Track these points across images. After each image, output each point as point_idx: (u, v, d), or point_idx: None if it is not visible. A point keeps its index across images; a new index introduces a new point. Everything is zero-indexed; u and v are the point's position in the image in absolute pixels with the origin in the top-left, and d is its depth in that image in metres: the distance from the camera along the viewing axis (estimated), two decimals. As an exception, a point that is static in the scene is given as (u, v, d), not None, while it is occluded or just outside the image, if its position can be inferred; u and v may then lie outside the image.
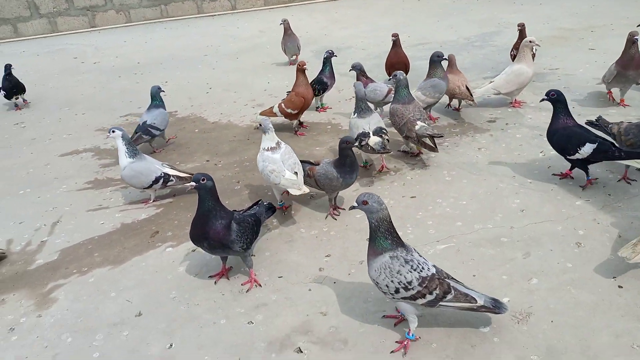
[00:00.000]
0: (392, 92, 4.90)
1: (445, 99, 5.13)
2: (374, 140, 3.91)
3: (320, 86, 5.48)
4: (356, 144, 3.48)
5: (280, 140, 3.62)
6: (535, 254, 2.98)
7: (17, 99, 6.75)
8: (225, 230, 2.79)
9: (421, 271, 2.34)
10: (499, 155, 4.22)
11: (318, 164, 3.55)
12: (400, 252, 2.36)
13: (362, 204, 2.34)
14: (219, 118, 5.82)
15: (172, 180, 3.91)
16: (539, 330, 2.45)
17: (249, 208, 3.28)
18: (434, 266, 2.42)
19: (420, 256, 2.43)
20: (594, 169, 3.78)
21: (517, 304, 2.62)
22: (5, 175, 4.84)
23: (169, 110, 5.28)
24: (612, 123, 3.74)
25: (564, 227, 3.20)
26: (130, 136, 4.20)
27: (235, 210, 3.08)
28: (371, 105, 4.37)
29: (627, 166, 3.60)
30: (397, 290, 2.33)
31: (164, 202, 4.04)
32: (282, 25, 7.49)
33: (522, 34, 5.83)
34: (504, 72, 5.07)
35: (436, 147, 4.09)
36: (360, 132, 3.94)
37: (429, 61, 4.82)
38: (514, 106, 5.14)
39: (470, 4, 11.22)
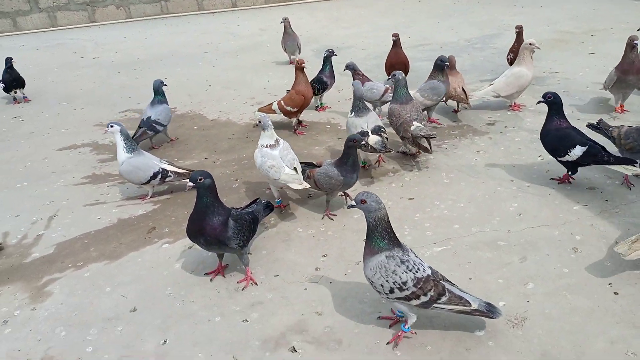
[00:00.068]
0: (389, 91, 4.93)
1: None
2: (373, 139, 3.90)
3: (320, 85, 5.47)
4: (363, 142, 3.44)
5: (279, 138, 3.61)
6: (531, 258, 2.98)
7: (15, 92, 6.72)
8: (222, 227, 2.78)
9: (416, 272, 2.34)
10: (498, 158, 4.22)
11: (320, 166, 3.54)
12: (396, 252, 2.36)
13: (361, 202, 2.34)
14: (218, 115, 5.81)
15: (170, 176, 3.90)
16: (534, 334, 2.45)
17: (247, 206, 3.27)
18: (430, 268, 2.42)
19: (417, 257, 2.43)
20: (593, 174, 3.79)
21: (512, 308, 2.62)
22: (2, 169, 4.83)
23: (168, 106, 5.27)
24: (612, 126, 3.75)
25: (561, 232, 3.20)
26: (129, 131, 4.17)
27: (233, 208, 3.07)
28: (369, 105, 4.36)
29: None
30: (391, 290, 2.33)
31: (161, 199, 4.03)
32: (282, 23, 7.48)
33: (519, 36, 5.84)
34: (503, 75, 5.08)
35: (430, 148, 4.08)
36: (359, 131, 3.93)
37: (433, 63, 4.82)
38: (513, 109, 5.14)
39: (471, 5, 11.23)
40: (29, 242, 3.59)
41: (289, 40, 7.49)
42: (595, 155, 3.46)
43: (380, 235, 2.35)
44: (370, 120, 4.01)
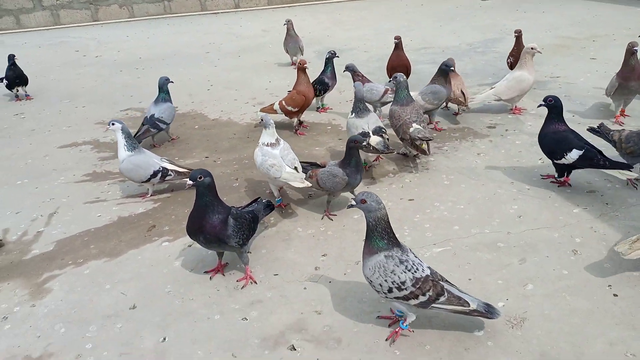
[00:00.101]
0: (389, 92, 4.95)
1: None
2: (375, 139, 3.91)
3: (322, 86, 5.48)
4: (365, 143, 3.45)
5: (279, 137, 3.62)
6: (531, 260, 2.99)
7: (17, 90, 6.73)
8: (222, 225, 2.79)
9: (415, 272, 2.34)
10: (498, 161, 4.22)
11: (324, 166, 3.54)
12: (395, 252, 2.37)
13: (361, 202, 2.34)
14: (219, 115, 5.82)
15: (170, 175, 3.90)
16: (533, 335, 2.45)
17: (248, 205, 3.27)
18: (429, 268, 2.42)
19: (416, 257, 2.43)
20: (593, 178, 3.80)
21: (512, 309, 2.62)
22: (3, 165, 4.83)
23: (169, 105, 5.27)
24: (613, 130, 3.76)
25: (561, 235, 3.20)
26: (131, 129, 4.18)
27: (234, 207, 3.07)
28: (369, 106, 4.37)
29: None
30: (390, 290, 2.34)
31: (161, 197, 4.04)
32: (285, 25, 7.49)
33: (518, 40, 5.85)
34: (505, 79, 5.08)
35: (429, 150, 4.08)
36: (360, 132, 3.94)
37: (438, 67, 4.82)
38: (514, 113, 5.15)
39: (473, 10, 11.25)
40: (29, 239, 3.60)
41: (291, 42, 7.51)
42: (592, 159, 3.49)
43: (380, 235, 2.36)
44: (371, 121, 4.02)
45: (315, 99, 5.37)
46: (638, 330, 2.45)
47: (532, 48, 4.92)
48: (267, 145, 3.55)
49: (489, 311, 2.39)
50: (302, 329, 2.60)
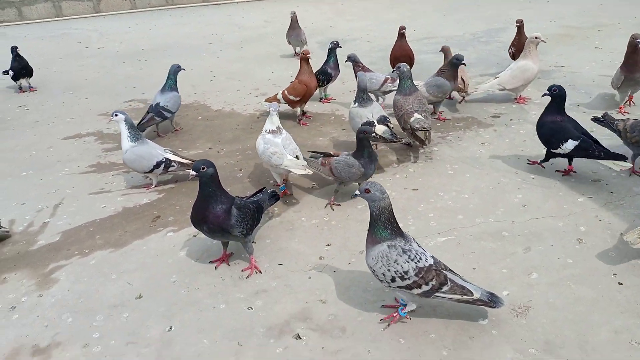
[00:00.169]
0: (389, 81, 4.95)
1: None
2: (381, 129, 3.90)
3: (325, 77, 5.46)
4: (373, 133, 3.44)
5: (281, 127, 3.63)
6: (536, 248, 2.99)
7: (21, 82, 6.73)
8: (225, 215, 2.79)
9: (418, 261, 2.35)
10: (502, 150, 4.21)
11: (337, 156, 3.54)
12: (398, 241, 2.37)
13: (365, 192, 2.34)
14: (222, 106, 5.82)
15: (173, 166, 3.91)
16: (538, 324, 2.46)
17: (253, 195, 3.28)
18: (432, 257, 2.43)
19: (419, 246, 2.43)
20: (598, 167, 3.78)
21: (516, 297, 2.63)
22: (8, 157, 4.84)
23: (172, 96, 5.27)
24: (617, 120, 3.75)
25: (566, 223, 3.20)
26: (134, 120, 4.18)
27: (238, 197, 3.08)
28: (372, 96, 4.36)
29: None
30: (393, 279, 2.34)
31: (165, 188, 4.05)
32: (291, 17, 7.45)
33: (520, 30, 5.80)
34: (509, 68, 5.06)
35: (427, 140, 4.08)
36: (365, 121, 3.93)
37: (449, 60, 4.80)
38: (518, 102, 5.13)
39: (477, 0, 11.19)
40: (35, 230, 3.61)
41: (294, 34, 7.48)
42: (587, 150, 3.52)
43: (383, 224, 2.36)
44: (374, 111, 4.02)
45: (318, 89, 5.36)
46: (643, 318, 2.45)
47: (536, 37, 4.89)
48: (269, 132, 3.57)
49: (492, 300, 2.39)
50: (307, 318, 2.62)
